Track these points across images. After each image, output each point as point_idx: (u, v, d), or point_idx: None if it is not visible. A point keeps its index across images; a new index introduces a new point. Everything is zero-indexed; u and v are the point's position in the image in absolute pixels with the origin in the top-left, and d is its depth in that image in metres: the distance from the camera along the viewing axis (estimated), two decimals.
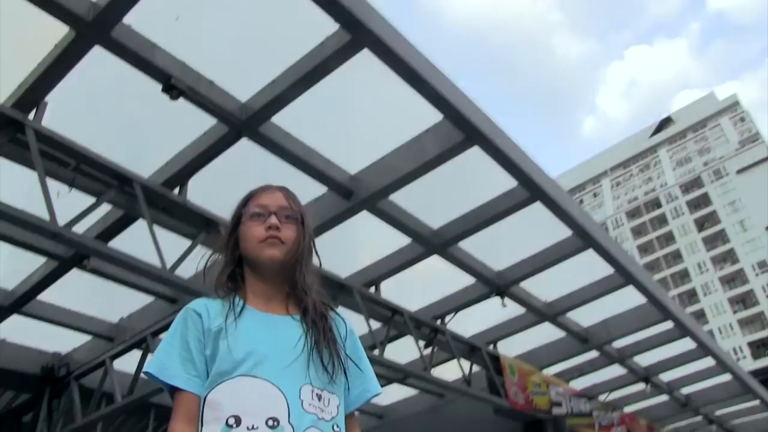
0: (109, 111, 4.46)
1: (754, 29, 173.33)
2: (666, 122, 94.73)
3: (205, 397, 1.47)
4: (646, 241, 79.76)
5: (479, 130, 4.45)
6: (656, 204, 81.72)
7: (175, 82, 3.78)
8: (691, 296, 72.72)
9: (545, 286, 7.37)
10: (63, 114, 4.09)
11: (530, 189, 5.15)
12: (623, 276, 6.78)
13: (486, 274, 6.62)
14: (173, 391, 1.51)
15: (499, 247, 6.27)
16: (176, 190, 4.63)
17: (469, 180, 5.26)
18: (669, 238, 78.25)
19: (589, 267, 6.87)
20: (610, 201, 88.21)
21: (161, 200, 4.49)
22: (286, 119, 4.41)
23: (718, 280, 71.63)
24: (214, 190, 4.64)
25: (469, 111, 4.43)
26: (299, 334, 1.58)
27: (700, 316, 70.67)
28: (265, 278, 1.67)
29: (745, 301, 69.12)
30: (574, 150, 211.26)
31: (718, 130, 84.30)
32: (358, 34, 3.70)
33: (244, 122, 4.22)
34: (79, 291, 5.88)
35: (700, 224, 76.03)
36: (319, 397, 1.52)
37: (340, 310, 1.75)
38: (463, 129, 4.49)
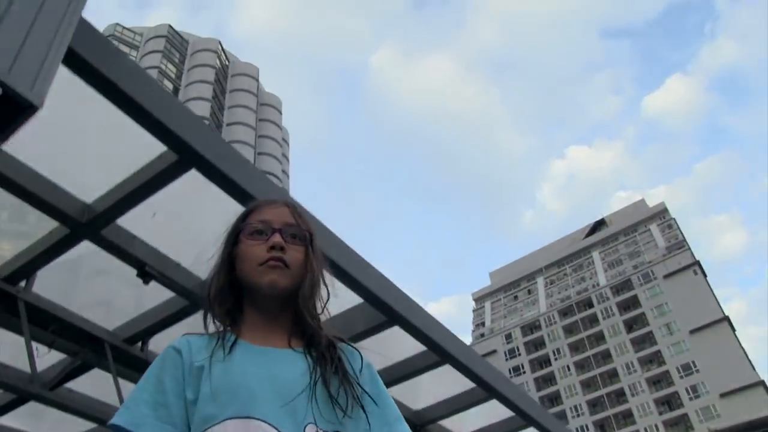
0: (86, 280, 5.22)
1: (684, 137, 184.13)
2: (600, 225, 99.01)
3: None
4: (577, 339, 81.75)
5: (398, 312, 5.36)
6: (588, 304, 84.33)
7: (149, 269, 4.59)
8: (620, 396, 74.42)
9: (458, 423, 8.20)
10: (45, 282, 4.83)
11: (440, 354, 6.04)
12: (522, 417, 7.66)
13: (405, 414, 7.41)
14: None
15: (416, 393, 7.10)
16: (138, 345, 5.36)
17: (390, 348, 6.12)
18: (599, 337, 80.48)
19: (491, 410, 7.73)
20: (544, 299, 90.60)
21: (125, 356, 5.21)
22: None
23: (645, 381, 73.65)
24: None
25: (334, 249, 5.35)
26: (303, 368, 1.34)
27: (628, 416, 72.33)
28: (264, 307, 1.42)
29: (670, 402, 71.12)
30: (514, 242, 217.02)
31: (647, 235, 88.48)
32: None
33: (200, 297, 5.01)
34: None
35: (629, 325, 78.57)
36: None
37: None
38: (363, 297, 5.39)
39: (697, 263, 77.94)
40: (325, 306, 1.48)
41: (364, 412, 1.35)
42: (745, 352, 70.91)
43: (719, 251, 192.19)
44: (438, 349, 5.92)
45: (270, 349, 1.38)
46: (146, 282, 4.67)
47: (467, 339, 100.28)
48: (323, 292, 1.49)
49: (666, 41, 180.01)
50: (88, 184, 4.17)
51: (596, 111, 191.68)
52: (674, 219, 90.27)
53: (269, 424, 1.22)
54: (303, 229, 1.47)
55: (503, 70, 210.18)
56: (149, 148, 3.80)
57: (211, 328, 1.43)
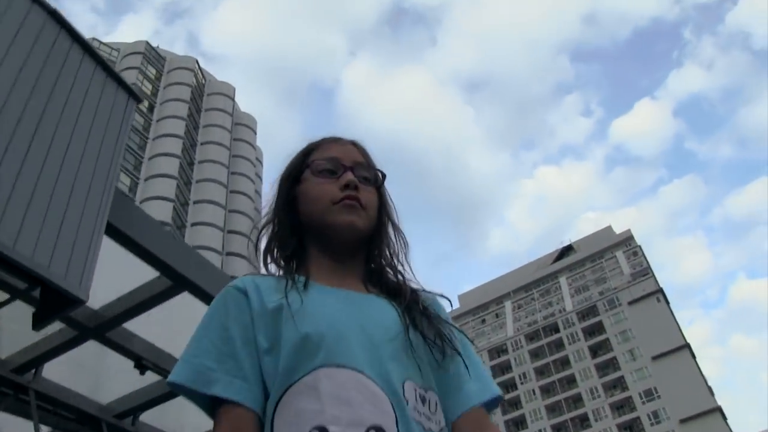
0: (87, 359, 5.72)
1: (651, 161, 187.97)
2: (567, 250, 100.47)
3: (275, 406, 1.04)
4: (543, 364, 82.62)
5: None
6: (554, 329, 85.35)
7: (145, 362, 5.12)
8: (583, 421, 75.35)
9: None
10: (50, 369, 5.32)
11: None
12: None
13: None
14: (213, 404, 1.06)
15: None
16: (129, 419, 5.86)
17: None
18: (565, 362, 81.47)
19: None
20: (511, 323, 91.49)
21: (119, 430, 5.72)
22: None
23: (608, 406, 74.74)
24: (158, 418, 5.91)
25: None
26: (393, 315, 1.17)
27: None
28: (336, 252, 1.27)
29: (632, 427, 72.22)
30: (483, 262, 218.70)
31: (613, 262, 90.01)
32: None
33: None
34: None
35: (594, 351, 79.81)
36: (423, 400, 1.09)
37: None
38: None
39: (661, 291, 79.60)
40: (405, 256, 1.33)
41: (462, 358, 1.18)
42: (704, 378, 72.51)
43: (683, 273, 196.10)
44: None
45: (351, 291, 1.21)
46: (142, 372, 5.20)
47: None
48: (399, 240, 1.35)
49: (635, 66, 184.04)
50: (97, 294, 4.71)
51: (566, 132, 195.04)
52: (639, 246, 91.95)
53: (365, 375, 1.03)
54: (373, 170, 1.34)
55: (475, 88, 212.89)
56: (152, 271, 4.45)
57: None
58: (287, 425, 1.01)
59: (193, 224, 47.02)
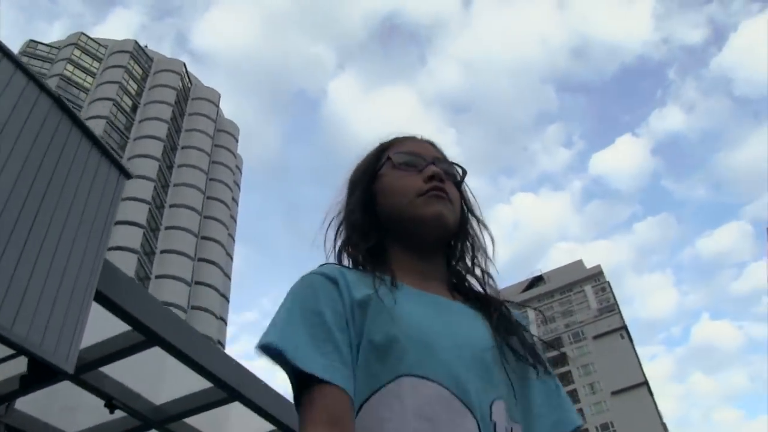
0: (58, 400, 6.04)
1: (627, 196, 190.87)
2: (538, 280, 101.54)
3: (359, 410, 0.96)
4: None
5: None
6: None
7: (115, 402, 5.44)
8: None
9: None
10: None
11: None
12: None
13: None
14: (304, 385, 0.94)
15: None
16: None
17: None
18: None
19: None
20: None
21: None
22: None
23: None
24: None
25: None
26: (484, 328, 1.08)
27: None
28: (421, 249, 1.19)
29: None
30: None
31: (581, 296, 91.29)
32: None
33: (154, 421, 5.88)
34: None
35: None
36: (512, 419, 1.01)
37: None
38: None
39: (625, 327, 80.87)
40: (492, 253, 1.26)
41: (555, 379, 1.12)
42: (659, 415, 73.70)
43: (650, 309, 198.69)
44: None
45: (438, 297, 1.12)
46: (111, 411, 5.52)
47: None
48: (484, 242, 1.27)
49: (619, 102, 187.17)
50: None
51: (546, 161, 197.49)
52: (608, 282, 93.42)
53: (450, 392, 0.95)
54: (453, 166, 1.28)
55: (460, 111, 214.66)
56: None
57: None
58: (368, 429, 0.93)
59: (167, 228, 46.96)
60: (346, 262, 1.24)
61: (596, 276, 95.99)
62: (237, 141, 61.12)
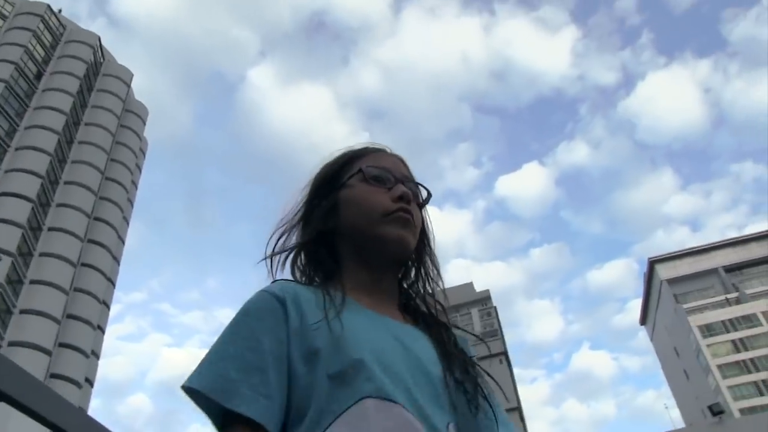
0: None
1: (527, 221, 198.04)
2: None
3: None
4: None
5: None
6: None
7: None
8: None
9: None
10: None
11: None
12: None
13: None
14: (226, 418, 0.93)
15: None
16: None
17: None
18: None
19: None
20: None
21: None
22: None
23: None
24: None
25: None
26: (433, 352, 1.09)
27: None
28: (377, 267, 1.18)
29: None
30: None
31: (467, 318, 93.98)
32: None
33: None
34: None
35: None
36: None
37: None
38: None
39: (505, 353, 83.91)
40: (440, 284, 1.26)
41: (492, 409, 1.09)
42: None
43: (536, 334, 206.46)
44: None
45: (389, 319, 1.11)
46: None
47: None
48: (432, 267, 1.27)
49: (531, 130, 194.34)
50: None
51: (453, 178, 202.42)
52: (495, 307, 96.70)
53: (412, 415, 0.94)
54: (421, 187, 1.27)
55: (375, 116, 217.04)
56: None
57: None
58: None
59: (59, 205, 44.92)
60: (295, 269, 1.23)
61: (484, 300, 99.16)
62: (144, 124, 59.32)
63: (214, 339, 1.02)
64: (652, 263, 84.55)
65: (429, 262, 1.29)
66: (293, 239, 1.25)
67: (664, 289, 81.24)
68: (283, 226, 1.26)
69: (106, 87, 55.35)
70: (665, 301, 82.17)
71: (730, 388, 68.85)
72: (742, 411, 64.54)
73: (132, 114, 57.36)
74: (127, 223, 55.07)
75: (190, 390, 0.95)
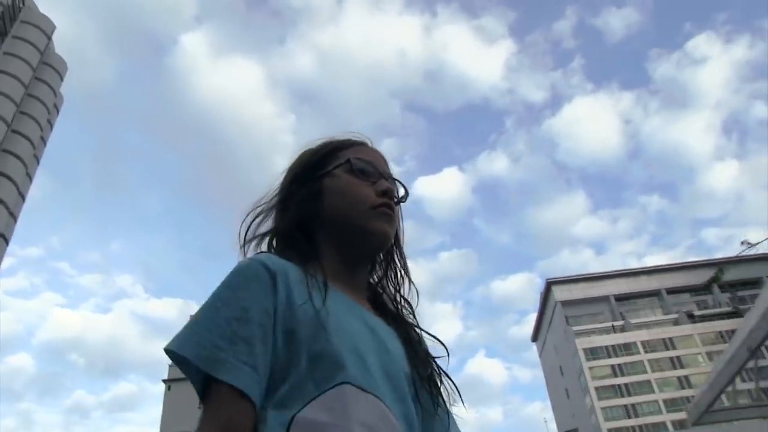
0: None
1: (439, 225, 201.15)
2: None
3: (292, 417, 0.91)
4: None
5: None
6: None
7: None
8: None
9: None
10: None
11: None
12: None
13: None
14: (209, 387, 0.93)
15: None
16: None
17: None
18: None
19: None
20: None
21: None
22: None
23: None
24: None
25: None
26: (400, 347, 1.13)
27: None
28: (354, 258, 1.20)
29: None
30: None
31: None
32: None
33: None
34: None
35: None
36: None
37: None
38: None
39: None
40: (410, 283, 1.30)
41: (447, 412, 1.15)
42: None
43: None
44: None
45: (365, 310, 1.14)
46: None
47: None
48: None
49: (455, 135, 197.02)
50: None
51: None
52: None
53: (387, 408, 0.97)
54: (399, 184, 1.29)
55: (304, 100, 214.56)
56: None
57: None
58: None
59: None
60: (271, 251, 1.21)
61: None
62: (62, 79, 57.18)
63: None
64: (549, 284, 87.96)
65: (398, 260, 1.31)
66: (267, 223, 1.25)
67: (558, 309, 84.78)
68: (259, 207, 1.26)
69: (23, 35, 53.03)
70: (557, 321, 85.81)
71: (603, 409, 72.67)
72: (610, 431, 68.62)
73: (49, 68, 55.19)
74: (30, 180, 53.01)
75: (173, 354, 0.95)
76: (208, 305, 1.00)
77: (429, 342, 1.27)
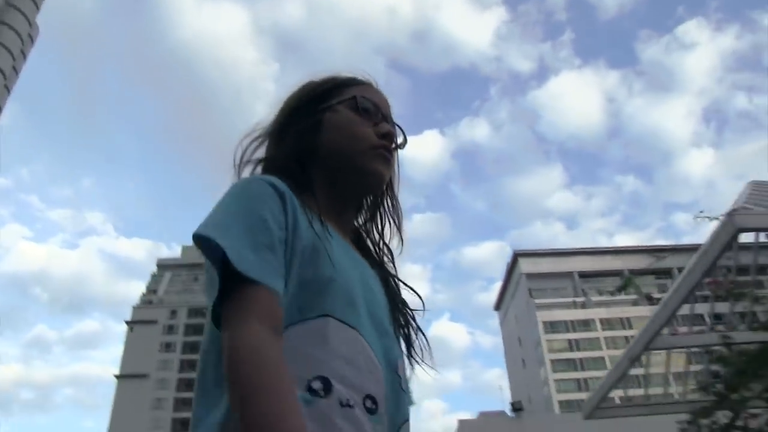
0: None
1: (415, 186, 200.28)
2: None
3: None
4: None
5: None
6: None
7: None
8: None
9: None
10: None
11: None
12: None
13: None
14: (235, 286, 0.88)
15: None
16: None
17: None
18: None
19: None
20: None
21: None
22: None
23: None
24: None
25: None
26: (382, 291, 1.13)
27: None
28: (348, 197, 1.20)
29: None
30: None
31: None
32: None
33: None
34: None
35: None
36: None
37: None
38: None
39: None
40: (399, 229, 1.28)
41: (413, 369, 1.16)
42: None
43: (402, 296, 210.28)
44: None
45: (352, 249, 1.15)
46: None
47: (135, 299, 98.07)
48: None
49: (438, 99, 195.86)
50: None
51: None
52: None
53: (368, 343, 0.98)
54: (402, 131, 1.27)
55: (290, 49, 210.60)
56: None
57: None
58: (287, 363, 0.86)
59: None
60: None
61: None
62: (38, 9, 55.67)
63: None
64: (516, 255, 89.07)
65: (389, 207, 1.29)
66: (261, 151, 1.22)
67: (522, 281, 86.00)
68: (256, 132, 1.24)
69: None
70: (520, 292, 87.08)
71: (556, 381, 74.59)
72: (561, 403, 70.49)
73: None
74: (0, 110, 51.93)
75: (207, 240, 0.90)
76: (228, 211, 0.97)
77: (405, 296, 1.26)
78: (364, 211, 1.30)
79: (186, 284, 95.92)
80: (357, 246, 1.21)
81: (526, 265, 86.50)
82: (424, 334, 1.21)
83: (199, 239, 0.91)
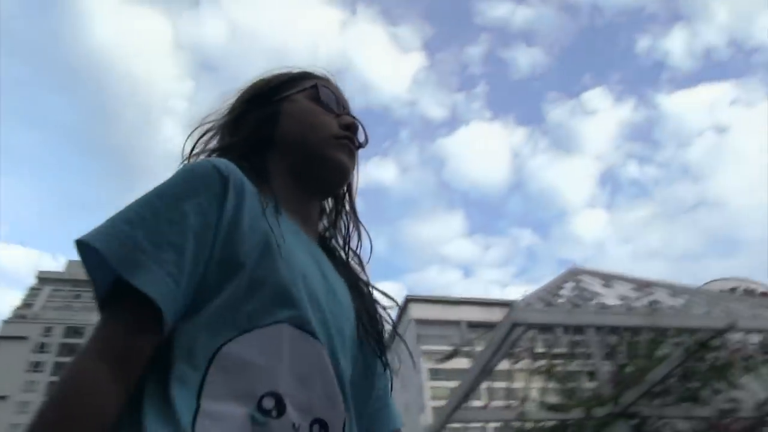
0: None
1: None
2: None
3: (217, 350, 0.79)
4: None
5: None
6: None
7: None
8: None
9: None
10: None
11: None
12: None
13: None
14: (117, 291, 0.79)
15: None
16: None
17: None
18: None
19: None
20: None
21: None
22: None
23: None
24: None
25: None
26: (349, 301, 1.02)
27: None
28: (309, 190, 1.11)
29: None
30: None
31: None
32: None
33: None
34: None
35: None
36: None
37: None
38: None
39: None
40: (359, 235, 1.21)
41: (391, 378, 1.10)
42: None
43: None
44: None
45: (315, 246, 1.06)
46: None
47: (6, 312, 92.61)
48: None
49: None
50: None
51: None
52: None
53: (326, 353, 0.88)
54: (364, 130, 1.20)
55: (206, 69, 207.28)
56: None
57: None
58: (233, 376, 0.79)
59: None
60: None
61: None
62: None
63: None
64: (408, 300, 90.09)
65: (350, 211, 1.22)
66: (213, 143, 1.13)
67: (411, 327, 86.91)
68: (209, 123, 1.15)
69: None
70: (408, 338, 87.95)
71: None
72: None
73: None
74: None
75: (86, 246, 0.79)
76: (143, 200, 0.85)
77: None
78: (324, 216, 1.22)
79: (67, 300, 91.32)
80: (331, 251, 1.15)
81: (415, 311, 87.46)
82: (402, 339, 1.18)
83: (78, 245, 0.80)
